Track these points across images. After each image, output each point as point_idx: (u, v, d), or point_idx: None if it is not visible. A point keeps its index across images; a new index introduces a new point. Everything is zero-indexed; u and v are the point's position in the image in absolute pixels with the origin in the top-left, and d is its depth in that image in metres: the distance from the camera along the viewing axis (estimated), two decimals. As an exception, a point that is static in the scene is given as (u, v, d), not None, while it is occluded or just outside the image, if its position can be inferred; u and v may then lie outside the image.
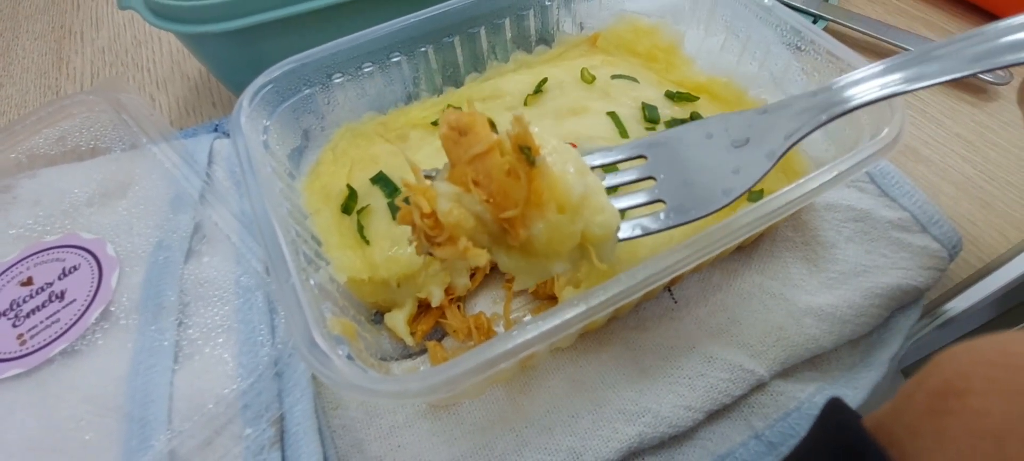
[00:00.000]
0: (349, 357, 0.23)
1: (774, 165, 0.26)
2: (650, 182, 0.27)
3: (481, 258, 0.22)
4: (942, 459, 0.17)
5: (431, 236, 0.22)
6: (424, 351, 0.35)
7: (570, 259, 0.25)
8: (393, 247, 0.33)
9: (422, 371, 0.23)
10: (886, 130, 0.30)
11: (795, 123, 0.27)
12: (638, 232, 0.26)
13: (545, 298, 0.36)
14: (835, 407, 0.22)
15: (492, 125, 0.23)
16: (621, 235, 0.26)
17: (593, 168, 0.26)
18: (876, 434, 0.19)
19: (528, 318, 0.36)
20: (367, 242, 0.34)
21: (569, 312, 0.24)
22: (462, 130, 0.22)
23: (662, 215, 0.26)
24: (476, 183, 0.22)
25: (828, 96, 0.28)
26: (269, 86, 0.35)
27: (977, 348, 0.19)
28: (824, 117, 0.27)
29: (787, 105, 0.28)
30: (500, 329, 0.35)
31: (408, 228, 0.24)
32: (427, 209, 0.22)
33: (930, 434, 0.18)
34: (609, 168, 0.29)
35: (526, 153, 0.22)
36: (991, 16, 0.57)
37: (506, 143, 0.22)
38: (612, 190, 0.27)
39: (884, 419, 0.20)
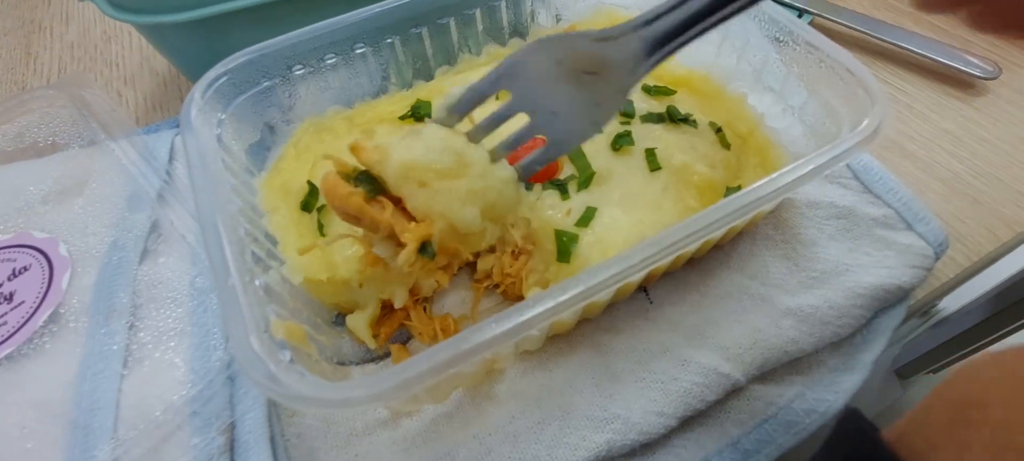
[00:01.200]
0: (291, 362, 0.22)
1: (627, 94, 0.27)
2: (520, 119, 0.28)
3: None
4: None
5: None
6: (388, 355, 0.33)
7: (490, 218, 0.27)
8: (354, 246, 0.32)
9: (370, 376, 0.21)
10: (866, 121, 0.29)
11: (640, 50, 0.27)
12: (528, 176, 0.27)
13: (515, 298, 0.35)
14: (852, 417, 0.21)
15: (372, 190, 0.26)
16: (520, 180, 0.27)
17: (472, 135, 0.27)
18: (895, 447, 0.19)
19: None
20: (324, 235, 0.32)
21: (534, 309, 0.22)
22: (355, 217, 0.25)
23: (541, 150, 0.27)
24: (368, 228, 0.24)
25: (659, 23, 0.27)
26: (225, 77, 0.33)
27: (999, 361, 0.18)
28: (681, 40, 0.27)
29: (621, 33, 0.27)
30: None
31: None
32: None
33: (951, 446, 0.18)
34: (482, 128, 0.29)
35: (371, 181, 0.25)
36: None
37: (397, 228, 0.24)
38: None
39: (903, 431, 0.20)
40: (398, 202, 0.26)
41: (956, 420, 0.18)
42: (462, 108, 0.28)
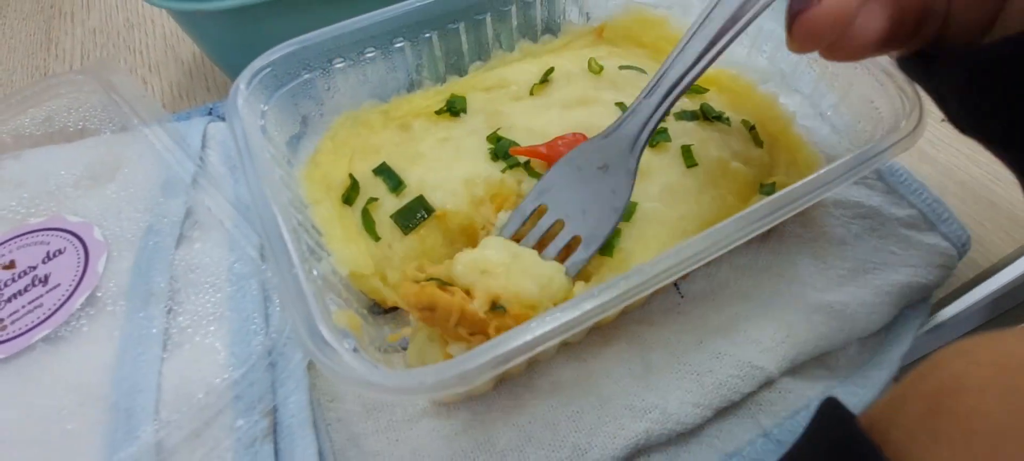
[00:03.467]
0: (355, 350, 0.22)
1: (635, 176, 0.31)
2: (560, 225, 0.31)
3: None
4: (938, 459, 0.17)
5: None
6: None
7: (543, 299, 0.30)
8: (400, 243, 0.33)
9: (434, 366, 0.22)
10: (904, 122, 0.29)
11: (631, 135, 0.31)
12: (575, 271, 0.30)
13: (551, 291, 0.35)
14: (830, 406, 0.21)
15: (443, 284, 0.27)
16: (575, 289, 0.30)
17: (516, 238, 0.31)
18: (871, 433, 0.19)
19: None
20: (377, 238, 0.33)
21: (585, 305, 0.23)
22: (430, 307, 0.26)
23: (582, 248, 0.31)
24: (468, 334, 0.27)
25: (647, 101, 0.31)
26: (268, 69, 0.34)
27: (973, 348, 0.19)
28: (656, 117, 0.31)
29: (616, 127, 0.32)
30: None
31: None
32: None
33: (926, 434, 0.18)
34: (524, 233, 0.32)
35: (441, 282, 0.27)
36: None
37: (468, 303, 0.26)
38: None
39: (879, 418, 0.20)
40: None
41: (931, 408, 0.18)
42: (511, 229, 0.32)
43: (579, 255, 0.31)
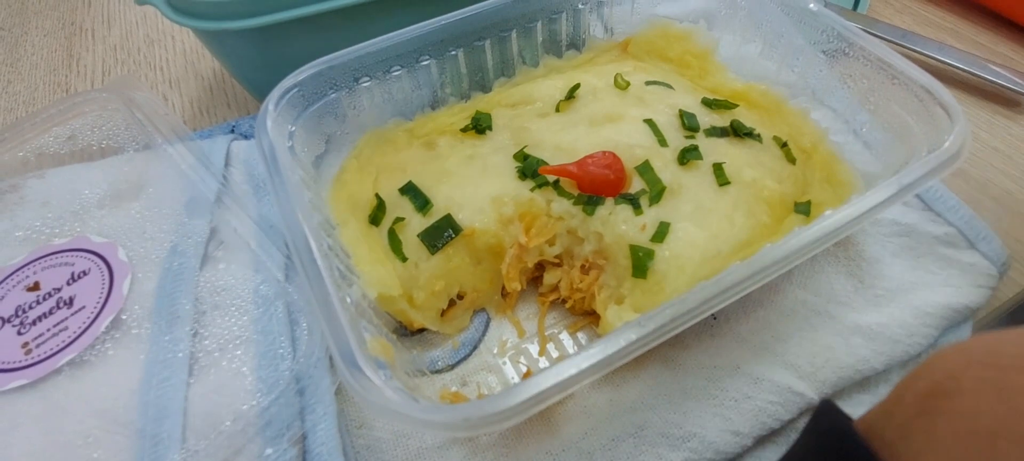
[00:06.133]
0: (389, 378, 0.22)
1: None
2: None
3: None
4: (933, 460, 0.17)
5: None
6: (452, 367, 0.33)
7: None
8: (426, 262, 0.32)
9: (474, 402, 0.21)
10: (948, 142, 0.29)
11: None
12: None
13: (582, 314, 0.34)
14: (826, 409, 0.22)
15: None
16: None
17: None
18: (867, 436, 0.20)
19: (564, 335, 0.34)
20: (404, 258, 0.32)
21: (627, 335, 0.22)
22: None
23: None
24: None
25: None
26: (296, 89, 0.33)
27: (967, 349, 0.19)
28: None
29: None
30: (534, 345, 0.34)
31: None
32: None
33: (921, 435, 0.18)
34: None
35: None
36: (1021, 29, 0.56)
37: None
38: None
39: (875, 421, 0.20)
40: None
41: (926, 409, 0.18)
42: None
43: None
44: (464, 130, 0.38)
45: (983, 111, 0.50)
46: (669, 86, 0.40)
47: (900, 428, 0.19)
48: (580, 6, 0.41)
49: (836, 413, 0.21)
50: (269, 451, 0.29)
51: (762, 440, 0.30)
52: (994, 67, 0.50)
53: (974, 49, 0.55)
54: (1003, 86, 0.50)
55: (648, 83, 0.40)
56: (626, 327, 0.23)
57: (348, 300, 0.25)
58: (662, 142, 0.35)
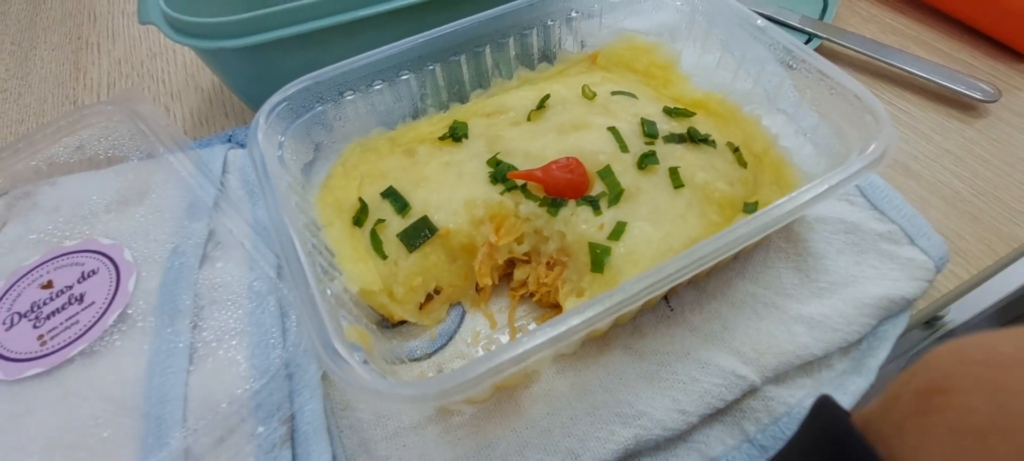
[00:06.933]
0: (364, 362, 0.25)
1: None
2: None
3: None
4: (928, 456, 0.18)
5: None
6: (429, 355, 0.36)
7: None
8: (405, 260, 0.35)
9: (437, 376, 0.24)
10: (874, 145, 0.32)
11: None
12: None
13: (549, 306, 0.37)
14: (824, 404, 0.22)
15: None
16: None
17: None
18: (864, 431, 0.20)
19: (533, 325, 0.37)
20: (384, 256, 0.35)
21: (574, 319, 0.25)
22: None
23: None
24: None
25: None
26: (284, 103, 0.36)
27: (962, 347, 0.19)
28: None
29: None
30: (505, 336, 0.37)
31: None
32: None
33: (916, 432, 0.19)
34: None
35: None
36: (982, 36, 0.59)
37: None
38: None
39: (872, 416, 0.21)
40: None
41: (921, 406, 0.18)
42: None
43: None
44: (442, 138, 0.41)
45: (938, 115, 0.53)
46: (633, 96, 0.43)
47: (896, 424, 0.19)
48: (549, 22, 0.44)
49: (834, 408, 0.22)
50: (261, 429, 0.32)
51: (708, 419, 0.33)
52: (951, 73, 0.53)
53: (935, 56, 0.58)
54: (959, 92, 0.53)
55: (614, 93, 0.43)
56: (571, 311, 0.26)
57: (329, 292, 0.28)
58: (623, 148, 0.38)
